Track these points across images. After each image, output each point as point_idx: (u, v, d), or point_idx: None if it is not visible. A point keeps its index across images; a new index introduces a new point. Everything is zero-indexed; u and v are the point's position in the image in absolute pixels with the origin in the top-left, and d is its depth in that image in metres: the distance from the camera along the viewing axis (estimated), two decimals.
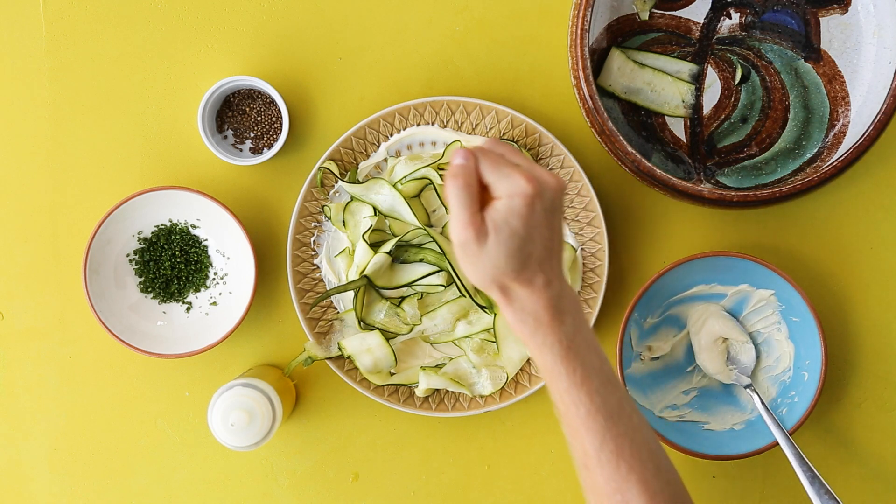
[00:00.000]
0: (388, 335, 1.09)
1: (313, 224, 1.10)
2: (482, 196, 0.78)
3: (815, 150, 1.08)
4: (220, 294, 1.11)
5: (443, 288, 1.09)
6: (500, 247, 0.77)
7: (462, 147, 0.78)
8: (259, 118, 1.10)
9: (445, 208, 1.09)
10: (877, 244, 1.12)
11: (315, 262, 1.10)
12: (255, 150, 1.11)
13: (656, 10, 1.09)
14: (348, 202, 1.10)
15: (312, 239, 1.10)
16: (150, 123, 1.11)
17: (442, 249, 1.07)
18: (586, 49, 1.03)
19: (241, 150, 1.11)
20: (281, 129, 1.10)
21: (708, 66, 1.10)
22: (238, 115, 1.11)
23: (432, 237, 1.08)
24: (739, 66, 1.09)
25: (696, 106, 1.10)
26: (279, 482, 1.13)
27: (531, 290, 0.79)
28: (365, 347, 1.08)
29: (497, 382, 1.09)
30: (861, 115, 1.06)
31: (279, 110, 1.10)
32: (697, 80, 1.10)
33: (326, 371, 1.12)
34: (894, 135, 1.11)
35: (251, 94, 1.10)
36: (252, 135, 1.11)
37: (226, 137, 1.11)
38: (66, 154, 1.12)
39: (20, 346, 1.12)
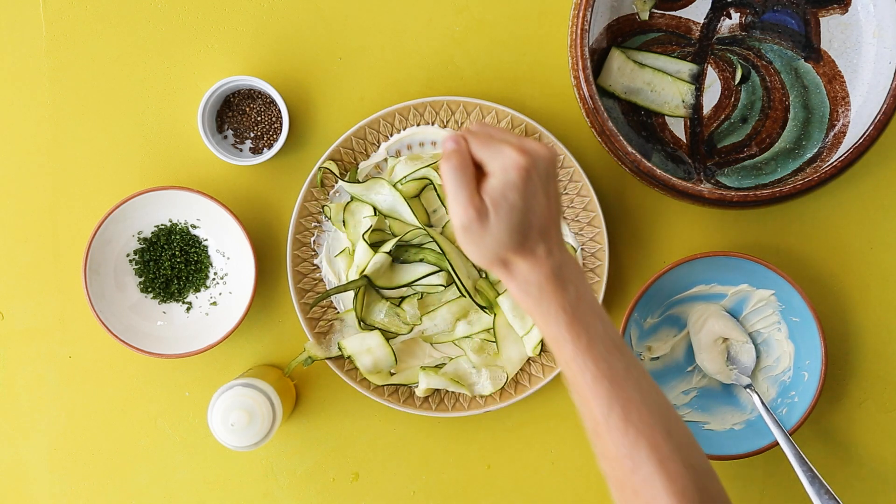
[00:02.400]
0: (388, 335, 1.09)
1: (313, 224, 1.10)
2: (478, 176, 0.78)
3: (815, 150, 1.08)
4: (220, 294, 1.11)
5: (443, 288, 1.09)
6: (501, 222, 0.77)
7: (452, 132, 0.78)
8: (259, 118, 1.10)
9: (445, 208, 1.09)
10: (877, 244, 1.12)
11: (315, 262, 1.10)
12: (255, 150, 1.11)
13: (656, 10, 1.09)
14: (348, 202, 1.10)
15: (312, 239, 1.10)
16: (150, 123, 1.11)
17: (442, 249, 1.07)
18: (586, 49, 1.03)
19: (241, 150, 1.11)
20: (281, 129, 1.10)
21: (708, 66, 1.10)
22: (238, 115, 1.11)
23: (432, 237, 1.08)
24: (739, 66, 1.09)
25: (696, 106, 1.10)
26: (279, 482, 1.13)
27: (534, 260, 0.79)
28: (365, 347, 1.08)
29: (497, 382, 1.09)
30: (861, 115, 1.06)
31: (279, 110, 1.10)
32: (697, 80, 1.10)
33: (326, 371, 1.12)
34: (894, 135, 1.11)
35: (251, 94, 1.10)
36: (252, 135, 1.11)
37: (226, 137, 1.11)
38: (66, 154, 1.12)
39: (20, 346, 1.12)
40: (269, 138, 1.10)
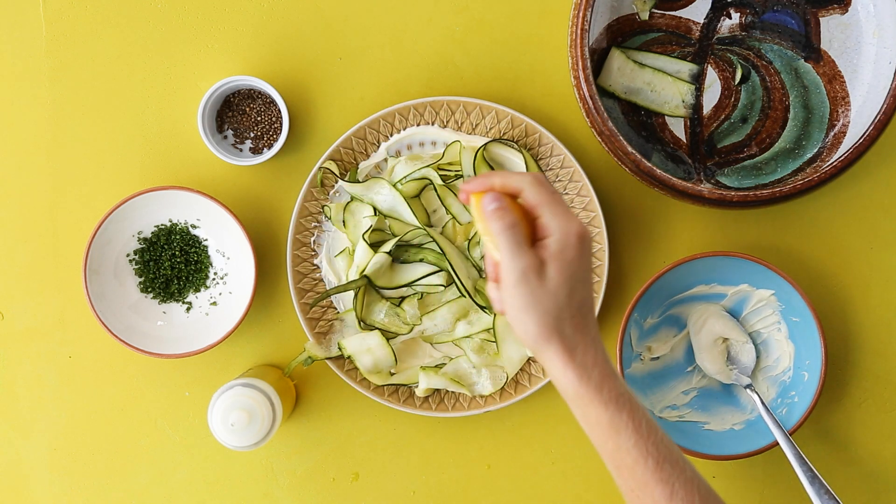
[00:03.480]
0: (388, 335, 1.09)
1: (313, 224, 1.10)
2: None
3: (815, 150, 1.08)
4: (220, 294, 1.11)
5: (443, 288, 1.09)
6: (560, 277, 0.77)
7: (490, 191, 0.79)
8: (259, 118, 1.10)
9: (446, 208, 1.10)
10: (877, 244, 1.12)
11: (315, 262, 1.10)
12: (255, 150, 1.11)
13: (656, 10, 1.09)
14: (348, 202, 1.10)
15: (312, 239, 1.10)
16: (150, 123, 1.11)
17: (442, 249, 1.07)
18: (586, 49, 1.03)
19: (241, 150, 1.11)
20: (281, 129, 1.10)
21: (708, 66, 1.10)
22: (238, 115, 1.11)
23: (432, 237, 1.08)
24: (739, 66, 1.09)
25: (696, 106, 1.10)
26: (279, 482, 1.13)
27: (589, 339, 0.79)
28: (365, 347, 1.08)
29: (497, 382, 1.09)
30: (861, 115, 1.06)
31: (279, 110, 1.10)
32: (697, 80, 1.10)
33: (326, 371, 1.12)
34: (894, 135, 1.11)
35: (251, 94, 1.10)
36: (252, 135, 1.11)
37: (226, 137, 1.11)
38: (66, 154, 1.12)
39: (20, 346, 1.12)
40: (269, 138, 1.10)
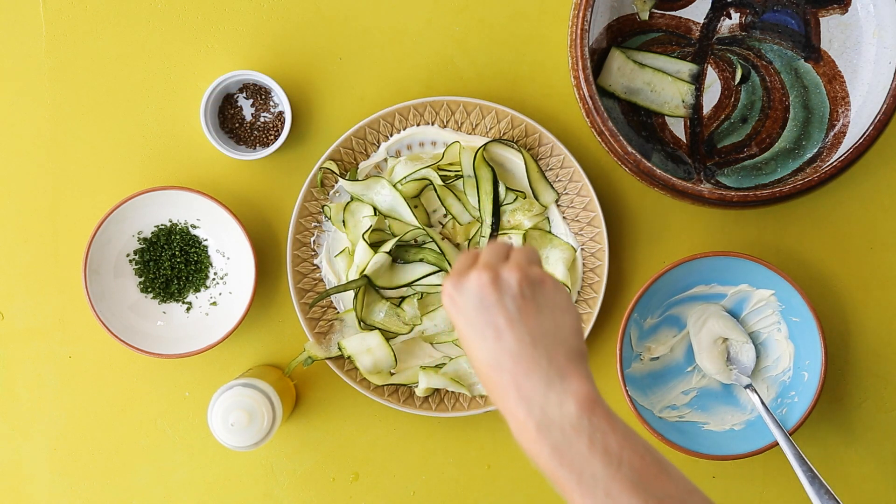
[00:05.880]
0: (388, 335, 1.09)
1: (313, 224, 1.10)
2: None
3: (815, 150, 1.08)
4: (220, 294, 1.11)
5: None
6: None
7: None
8: (260, 116, 1.10)
9: (445, 208, 1.10)
10: (877, 244, 1.12)
11: (315, 262, 1.10)
12: (256, 147, 1.11)
13: (656, 10, 1.09)
14: (348, 202, 1.10)
15: (312, 239, 1.10)
16: (151, 123, 1.11)
17: (441, 249, 1.07)
18: (586, 49, 1.03)
19: (242, 148, 1.11)
20: (283, 127, 1.10)
21: (708, 66, 1.10)
22: (239, 112, 1.10)
23: (432, 237, 1.08)
24: (739, 66, 1.09)
25: (696, 106, 1.10)
26: (279, 482, 1.13)
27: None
28: (365, 347, 1.08)
29: None
30: (861, 115, 1.06)
31: (281, 110, 1.10)
32: (697, 80, 1.10)
33: (326, 371, 1.12)
34: (894, 135, 1.11)
35: (253, 93, 1.10)
36: (254, 133, 1.11)
37: (227, 133, 1.11)
38: (66, 154, 1.12)
39: (20, 346, 1.12)
40: (270, 136, 1.10)
